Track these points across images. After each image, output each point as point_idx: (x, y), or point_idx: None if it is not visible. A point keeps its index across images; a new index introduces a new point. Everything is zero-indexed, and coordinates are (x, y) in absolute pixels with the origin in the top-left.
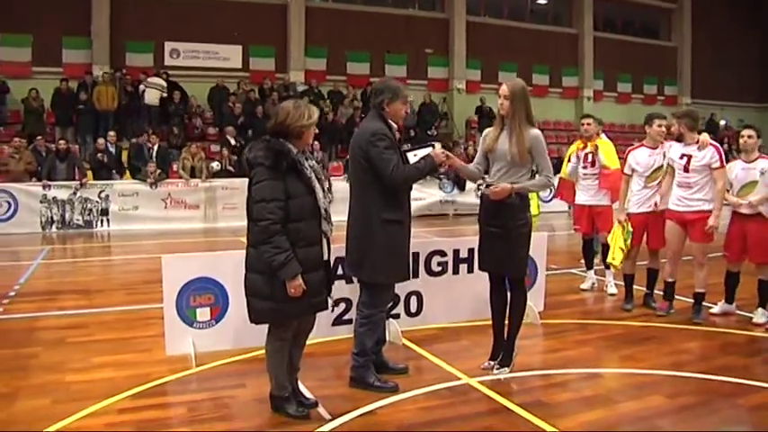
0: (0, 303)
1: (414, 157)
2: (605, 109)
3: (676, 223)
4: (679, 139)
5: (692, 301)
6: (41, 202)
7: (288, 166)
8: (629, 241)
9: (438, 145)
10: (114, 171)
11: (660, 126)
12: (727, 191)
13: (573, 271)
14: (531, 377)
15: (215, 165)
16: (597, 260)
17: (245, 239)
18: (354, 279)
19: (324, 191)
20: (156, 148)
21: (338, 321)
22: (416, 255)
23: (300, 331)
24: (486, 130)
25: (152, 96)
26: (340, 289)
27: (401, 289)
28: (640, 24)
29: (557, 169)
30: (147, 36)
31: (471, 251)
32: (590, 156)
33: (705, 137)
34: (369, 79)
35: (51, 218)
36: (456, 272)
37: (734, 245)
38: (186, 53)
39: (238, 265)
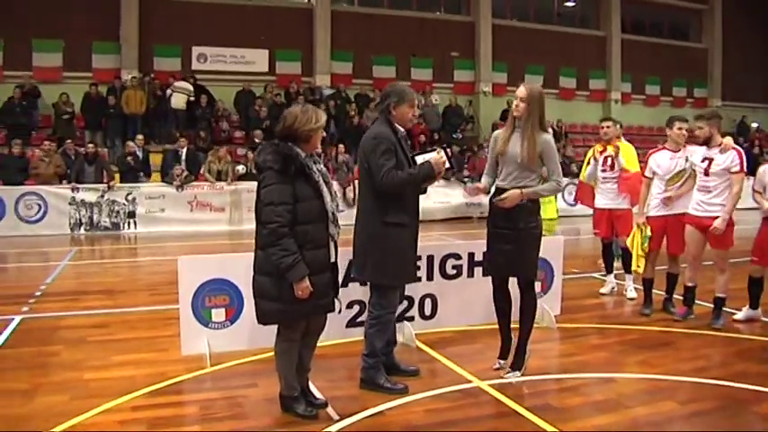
0: (26, 303)
1: (422, 160)
2: (633, 112)
3: (696, 228)
4: (706, 142)
5: (713, 306)
6: (70, 204)
7: (296, 170)
8: (646, 245)
9: (442, 152)
10: (142, 174)
11: (681, 129)
12: (759, 192)
13: (594, 275)
14: (543, 381)
15: (240, 168)
16: (617, 264)
17: None
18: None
19: (331, 194)
20: (185, 151)
21: (352, 323)
22: (431, 258)
23: (310, 332)
24: (497, 132)
25: (179, 100)
26: (354, 291)
27: (415, 292)
28: (669, 26)
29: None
30: (175, 41)
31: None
32: (609, 159)
33: (729, 140)
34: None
35: (80, 220)
36: (471, 275)
37: (763, 251)
38: (213, 57)
39: None
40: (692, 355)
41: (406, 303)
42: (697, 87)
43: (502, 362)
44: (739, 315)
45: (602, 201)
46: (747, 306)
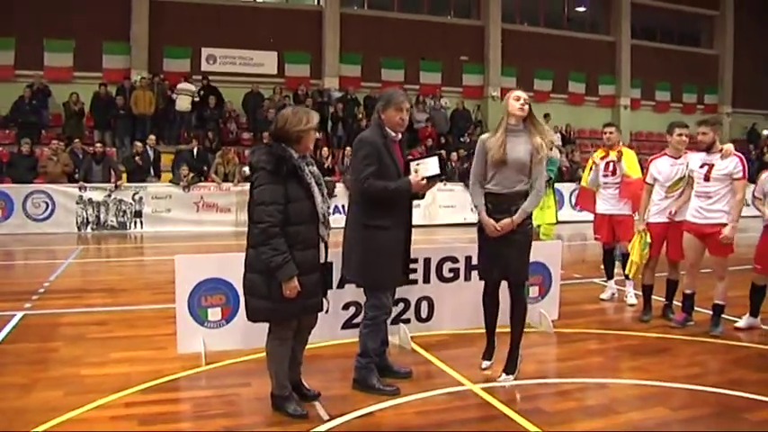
0: (29, 299)
1: (416, 166)
2: (643, 118)
3: (694, 236)
4: (708, 148)
5: (712, 313)
6: (77, 203)
7: (288, 171)
8: (646, 251)
9: (428, 168)
10: (153, 174)
11: (681, 135)
12: (759, 199)
13: (595, 280)
14: (536, 385)
15: (246, 169)
16: (618, 270)
17: None
18: None
19: (323, 196)
20: (195, 151)
21: (347, 325)
22: (428, 260)
23: (302, 328)
24: (486, 138)
25: (183, 102)
26: (349, 293)
27: (412, 294)
28: (680, 32)
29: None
30: (185, 42)
31: None
32: (611, 164)
33: (729, 146)
34: (403, 86)
35: (87, 219)
36: (468, 278)
37: (765, 258)
38: (222, 59)
39: None
40: (688, 362)
41: (402, 306)
42: (707, 94)
43: (488, 362)
44: (740, 323)
45: (603, 206)
46: (748, 314)
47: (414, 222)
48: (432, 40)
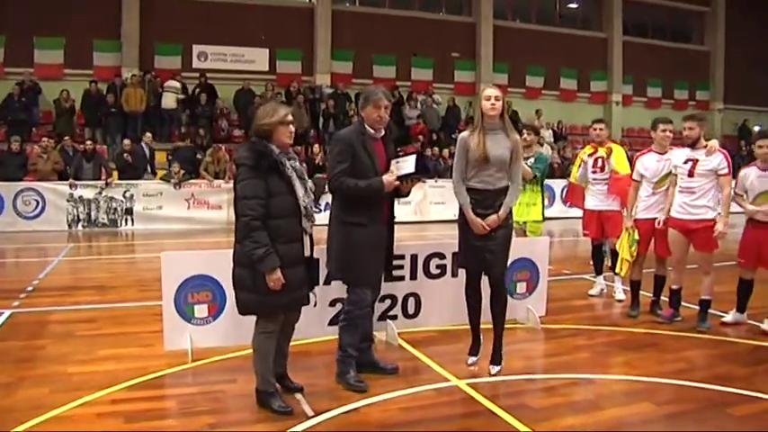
0: (17, 297)
1: (395, 164)
2: (634, 114)
3: (679, 232)
4: (694, 144)
5: (698, 308)
6: (68, 200)
7: (269, 166)
8: (634, 248)
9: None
10: (150, 171)
11: (665, 131)
12: (740, 196)
13: (585, 276)
14: (522, 381)
15: None
16: (607, 263)
17: None
18: None
19: (306, 189)
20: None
21: (334, 321)
22: (414, 257)
23: (287, 323)
24: (465, 136)
25: (168, 100)
26: (336, 289)
27: (399, 290)
28: (671, 28)
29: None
30: (176, 39)
31: None
32: (600, 161)
33: (714, 143)
34: (395, 83)
35: (77, 216)
36: (455, 274)
37: (749, 252)
38: (214, 56)
39: None
40: (675, 357)
41: (389, 302)
42: (699, 90)
43: (474, 358)
44: (727, 318)
45: (591, 202)
46: (735, 309)
47: (405, 219)
48: (423, 37)
